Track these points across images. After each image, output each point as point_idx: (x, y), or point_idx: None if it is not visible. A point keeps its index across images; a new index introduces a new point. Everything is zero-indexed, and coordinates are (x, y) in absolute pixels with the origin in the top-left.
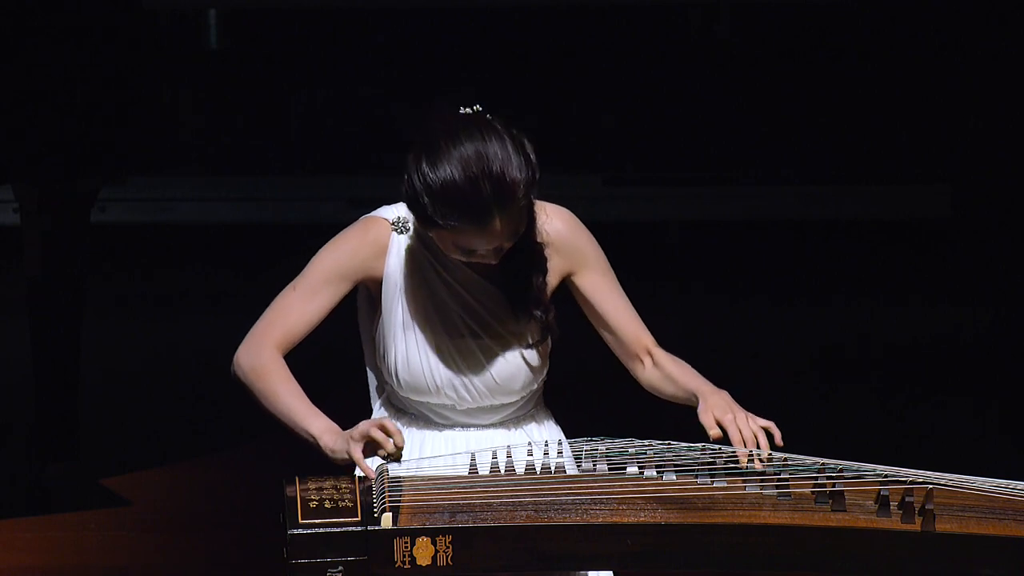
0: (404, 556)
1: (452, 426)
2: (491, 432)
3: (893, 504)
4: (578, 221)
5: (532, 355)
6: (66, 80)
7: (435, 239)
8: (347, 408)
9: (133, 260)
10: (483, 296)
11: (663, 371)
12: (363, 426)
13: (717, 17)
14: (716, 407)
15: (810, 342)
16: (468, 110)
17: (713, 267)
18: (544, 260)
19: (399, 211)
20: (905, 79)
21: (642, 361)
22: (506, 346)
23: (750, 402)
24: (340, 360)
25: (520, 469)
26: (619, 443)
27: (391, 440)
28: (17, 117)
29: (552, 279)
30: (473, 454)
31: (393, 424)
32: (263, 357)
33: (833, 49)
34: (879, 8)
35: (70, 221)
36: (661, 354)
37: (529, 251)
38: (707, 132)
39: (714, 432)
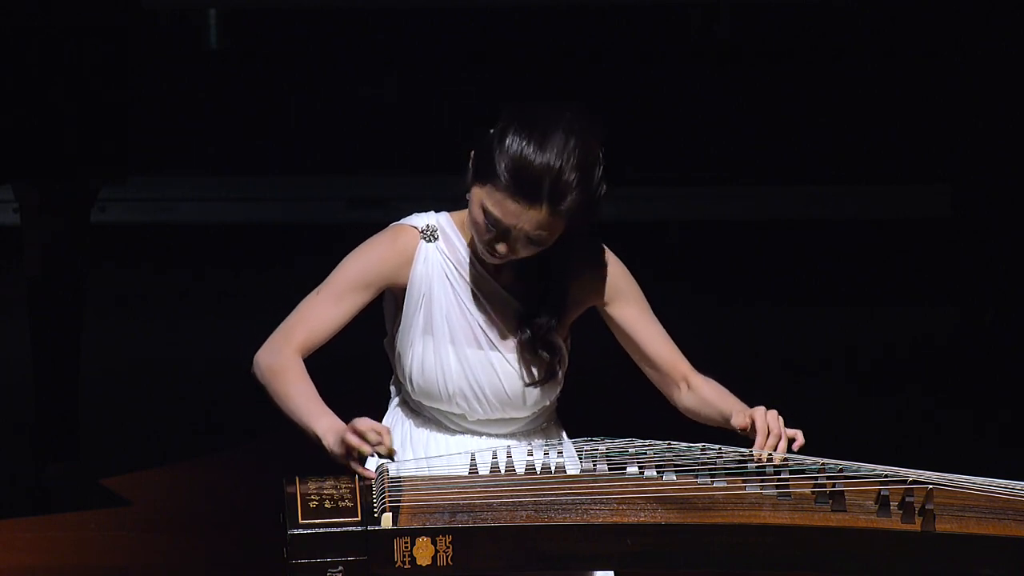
0: (404, 556)
1: (463, 433)
2: (502, 442)
3: (893, 504)
4: (612, 255)
5: (547, 372)
6: (66, 80)
7: (472, 197)
8: (368, 409)
9: (133, 260)
10: (506, 310)
11: (699, 395)
12: (345, 433)
13: (717, 17)
14: (748, 411)
15: (810, 342)
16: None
17: (713, 267)
18: (564, 303)
19: (428, 219)
20: (905, 79)
21: (679, 388)
22: (523, 362)
23: (751, 402)
24: (363, 361)
25: (520, 469)
26: (619, 443)
27: (365, 444)
28: (17, 117)
29: (576, 309)
30: (473, 454)
31: (367, 423)
32: (281, 357)
33: (833, 49)
34: (879, 8)
35: (70, 221)
36: (698, 379)
37: (551, 288)
38: (707, 132)
39: (742, 421)
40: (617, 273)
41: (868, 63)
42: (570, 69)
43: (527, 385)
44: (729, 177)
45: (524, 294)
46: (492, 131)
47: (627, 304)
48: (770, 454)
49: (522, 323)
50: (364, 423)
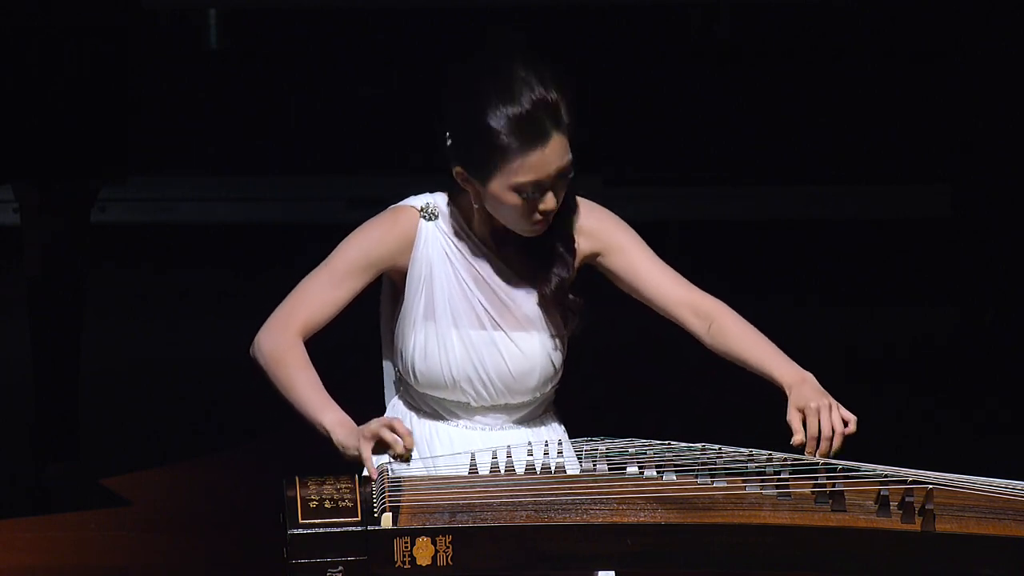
0: (404, 556)
1: (466, 421)
2: (503, 433)
3: (893, 504)
4: (596, 204)
5: (549, 351)
6: (66, 80)
7: (492, 195)
8: (360, 400)
9: (133, 260)
10: (509, 286)
11: (729, 341)
12: (374, 425)
13: (717, 17)
14: (805, 400)
15: (809, 342)
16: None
17: (713, 267)
18: (573, 251)
19: (426, 198)
20: (905, 79)
21: (702, 327)
22: (526, 341)
23: (752, 403)
24: (356, 351)
25: (520, 469)
26: (619, 443)
27: (400, 441)
28: (17, 117)
29: (576, 262)
30: (473, 454)
31: (404, 426)
32: (284, 342)
33: (833, 49)
34: (879, 8)
35: (70, 221)
36: (725, 319)
37: (559, 240)
38: (707, 132)
39: (798, 438)
40: (606, 223)
41: (868, 63)
42: (570, 69)
43: (547, 338)
44: (729, 177)
45: (527, 266)
46: (453, 131)
47: (622, 253)
48: (826, 463)
49: (543, 279)
50: (400, 425)
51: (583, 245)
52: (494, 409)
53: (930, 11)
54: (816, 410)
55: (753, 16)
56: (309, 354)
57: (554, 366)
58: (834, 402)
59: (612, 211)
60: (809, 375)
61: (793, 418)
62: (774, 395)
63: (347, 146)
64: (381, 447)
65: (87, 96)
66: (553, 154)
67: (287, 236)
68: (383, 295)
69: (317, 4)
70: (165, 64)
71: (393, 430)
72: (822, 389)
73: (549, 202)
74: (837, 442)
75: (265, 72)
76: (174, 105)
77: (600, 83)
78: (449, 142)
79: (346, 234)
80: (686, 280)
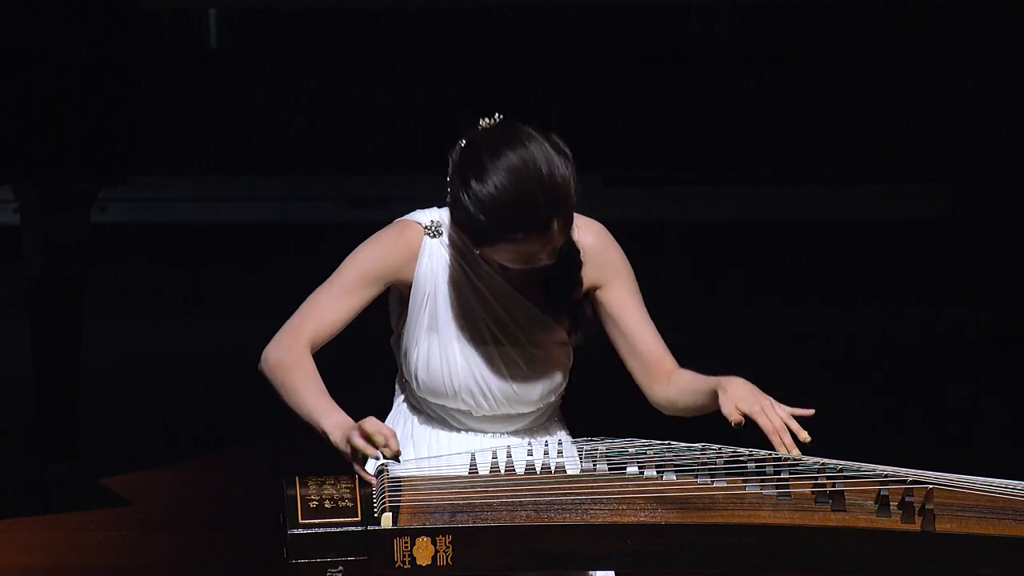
0: (404, 556)
1: (467, 430)
2: (505, 439)
3: (893, 504)
4: (609, 235)
5: (552, 366)
6: (66, 80)
7: (492, 254)
8: (365, 398)
9: (133, 260)
10: (511, 305)
11: (678, 384)
12: (353, 435)
13: (717, 17)
14: (739, 399)
15: (809, 342)
16: (491, 120)
17: (713, 267)
18: (580, 266)
19: (432, 215)
20: (905, 79)
21: (659, 383)
22: (528, 356)
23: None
24: (367, 357)
25: (520, 469)
26: (619, 443)
27: (375, 448)
28: (17, 118)
29: (583, 285)
30: (473, 454)
31: (374, 425)
32: (291, 353)
33: (833, 49)
34: (879, 8)
35: (70, 221)
36: (677, 372)
37: (567, 258)
38: (707, 132)
39: (736, 418)
40: (613, 255)
41: (868, 63)
42: (570, 69)
43: (549, 357)
44: (729, 177)
45: (534, 286)
46: (456, 201)
47: (621, 289)
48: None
49: (546, 295)
50: (371, 425)
51: (590, 274)
52: (496, 418)
53: (930, 11)
54: (760, 411)
55: (753, 16)
56: (319, 353)
57: (556, 379)
58: (769, 400)
59: (612, 210)
60: (741, 378)
61: (727, 407)
62: (772, 396)
63: (347, 146)
64: (362, 455)
65: (87, 97)
66: (547, 239)
67: (287, 236)
68: (391, 300)
69: (317, 4)
70: (165, 64)
71: (364, 432)
72: (756, 388)
73: (547, 259)
74: (794, 425)
75: (265, 72)
76: (174, 105)
77: (600, 83)
78: (448, 196)
79: (346, 234)
80: (661, 339)
